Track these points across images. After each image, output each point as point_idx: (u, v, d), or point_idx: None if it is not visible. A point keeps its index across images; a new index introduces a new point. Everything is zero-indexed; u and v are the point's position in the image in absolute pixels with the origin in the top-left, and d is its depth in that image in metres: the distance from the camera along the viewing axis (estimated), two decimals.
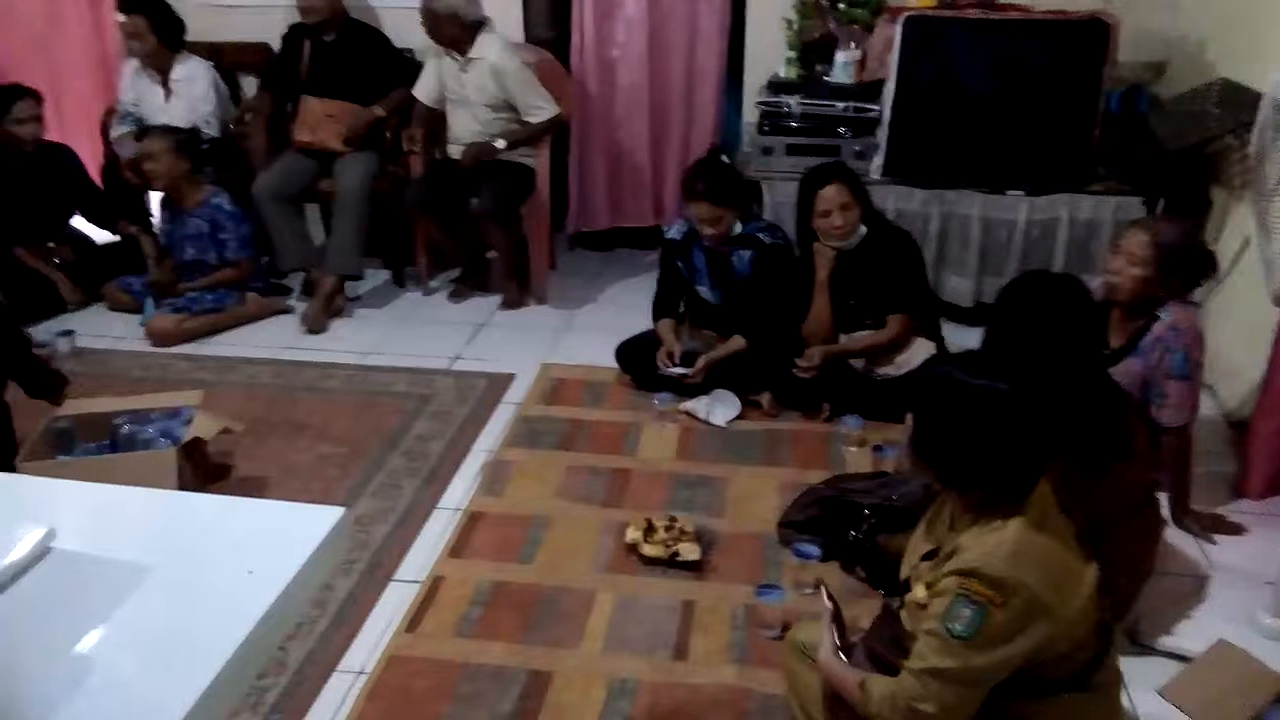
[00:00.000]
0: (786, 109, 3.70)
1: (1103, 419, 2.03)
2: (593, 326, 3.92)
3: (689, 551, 2.45)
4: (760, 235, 3.19)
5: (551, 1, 4.61)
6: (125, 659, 0.80)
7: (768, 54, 4.02)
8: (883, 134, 3.60)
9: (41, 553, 0.85)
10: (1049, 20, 3.41)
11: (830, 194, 2.97)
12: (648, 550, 2.47)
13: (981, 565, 1.45)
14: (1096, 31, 3.34)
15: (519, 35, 4.23)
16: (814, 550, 2.37)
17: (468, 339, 3.85)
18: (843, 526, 2.40)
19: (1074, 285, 2.08)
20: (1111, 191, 3.50)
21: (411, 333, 3.90)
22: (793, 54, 3.87)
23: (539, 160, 4.04)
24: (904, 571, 1.72)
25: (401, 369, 3.58)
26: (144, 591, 0.86)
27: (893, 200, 3.58)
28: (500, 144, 3.89)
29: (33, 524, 0.87)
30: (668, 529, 2.50)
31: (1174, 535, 2.48)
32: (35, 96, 3.99)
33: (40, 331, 3.66)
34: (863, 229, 3.04)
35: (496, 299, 4.16)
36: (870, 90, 3.66)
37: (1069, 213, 3.51)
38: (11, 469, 2.47)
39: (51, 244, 4.09)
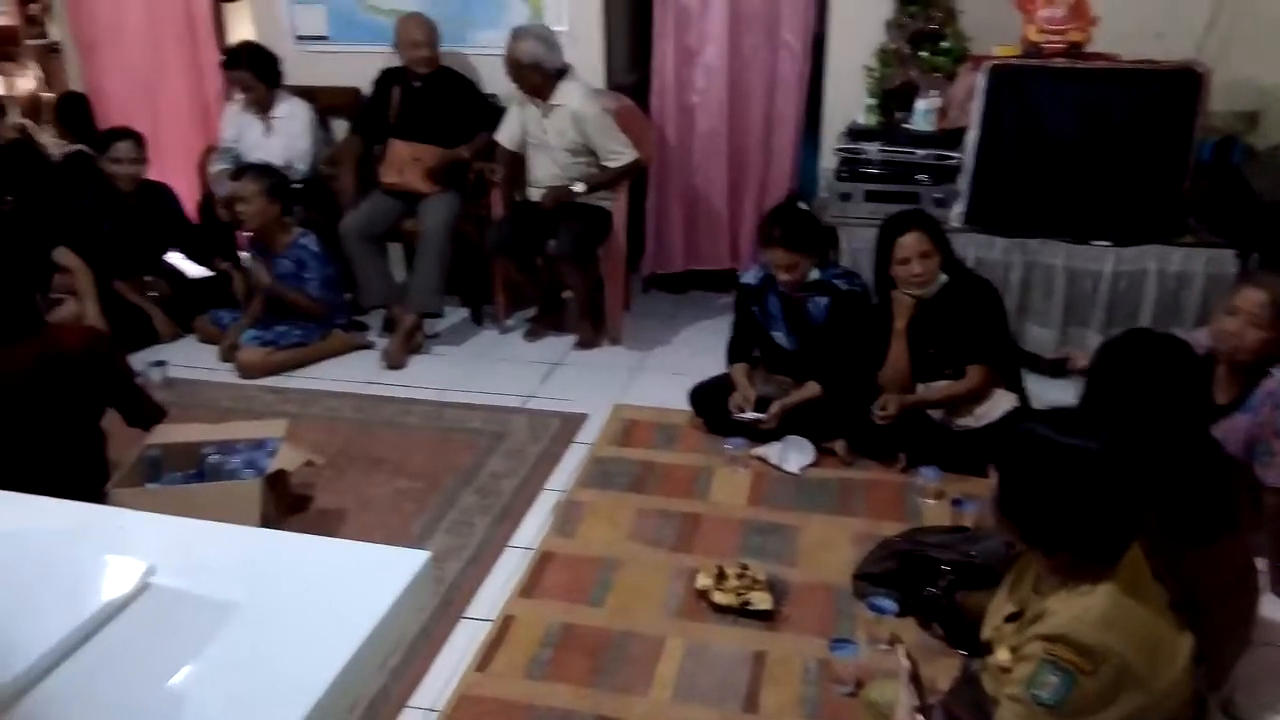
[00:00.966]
0: (865, 155, 3.69)
1: (1207, 485, 1.95)
2: (666, 368, 3.93)
3: (761, 601, 2.42)
4: (837, 282, 3.17)
5: (632, 48, 4.69)
6: (215, 697, 0.81)
7: (847, 101, 4.02)
8: (964, 181, 3.56)
9: (141, 588, 0.87)
10: (1138, 70, 3.35)
11: (910, 241, 2.94)
12: (719, 598, 2.44)
13: (1070, 631, 1.41)
14: (1187, 81, 3.26)
15: (600, 81, 4.31)
16: (890, 605, 2.32)
17: (542, 378, 3.89)
18: (920, 581, 2.34)
19: (1179, 347, 2.00)
20: (1203, 244, 3.41)
21: (487, 370, 3.96)
22: (873, 101, 3.86)
23: (616, 203, 4.09)
24: (985, 632, 1.68)
25: (477, 406, 3.63)
26: (234, 629, 0.88)
27: (973, 248, 3.53)
28: (579, 187, 3.96)
29: (132, 558, 0.90)
30: (739, 577, 2.48)
31: (1273, 604, 2.37)
32: (136, 138, 4.19)
33: (135, 361, 3.80)
34: (943, 277, 3.00)
35: (571, 339, 4.20)
36: (951, 138, 3.63)
37: (1158, 264, 3.42)
38: (102, 495, 2.57)
39: (148, 278, 4.26)
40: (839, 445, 3.15)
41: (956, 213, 3.58)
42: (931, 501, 2.90)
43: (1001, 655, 1.55)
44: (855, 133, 3.80)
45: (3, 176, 4.12)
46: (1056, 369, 3.32)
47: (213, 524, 1.10)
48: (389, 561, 1.00)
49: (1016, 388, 3.11)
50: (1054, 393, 3.29)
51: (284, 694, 0.81)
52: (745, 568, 2.51)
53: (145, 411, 2.92)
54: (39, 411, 2.52)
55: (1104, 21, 3.43)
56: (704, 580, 2.50)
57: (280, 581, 0.96)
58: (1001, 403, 3.04)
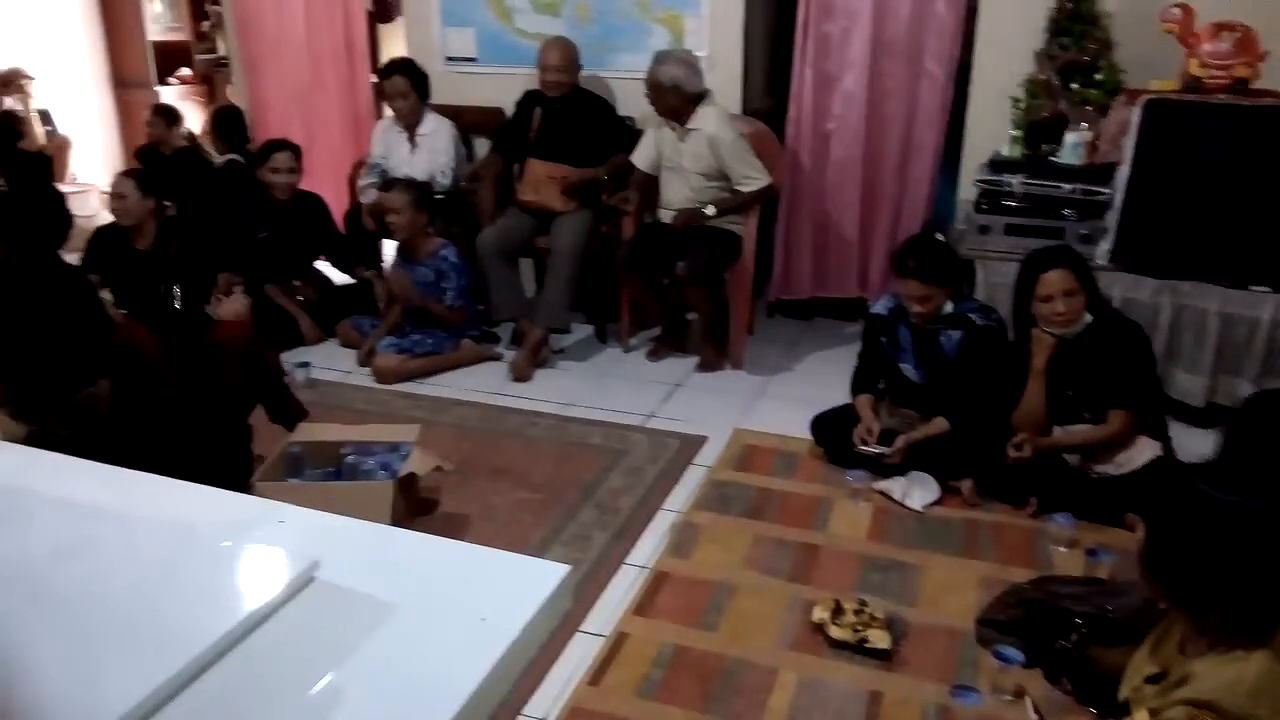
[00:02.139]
0: (1008, 188, 3.59)
1: None
2: (787, 395, 3.90)
3: (879, 639, 2.37)
4: (972, 316, 3.09)
5: (768, 74, 4.70)
6: (367, 695, 0.85)
7: (990, 131, 3.93)
8: (1113, 219, 3.43)
9: (307, 581, 0.92)
10: None
11: (1054, 278, 2.85)
12: (835, 632, 2.40)
13: (1219, 699, 1.33)
14: None
15: (736, 106, 4.33)
16: (1017, 655, 2.23)
17: (663, 398, 3.92)
18: (1050, 633, 2.25)
19: None
20: None
21: (610, 388, 4.01)
22: (1017, 132, 3.76)
23: (747, 227, 4.10)
24: (1123, 692, 1.61)
25: (599, 422, 3.68)
26: (389, 628, 0.92)
27: (1119, 288, 3.39)
28: (711, 210, 3.98)
29: (299, 552, 0.95)
30: (857, 613, 2.43)
31: None
32: (294, 150, 4.43)
33: (281, 362, 4.01)
34: (1087, 317, 2.89)
35: (693, 360, 4.22)
36: (1101, 173, 3.50)
37: None
38: (248, 486, 2.71)
39: (297, 283, 4.49)
40: (966, 485, 3.06)
41: (1103, 250, 3.44)
42: (1064, 550, 2.79)
43: (1139, 717, 1.47)
44: (998, 164, 3.70)
45: (170, 183, 4.41)
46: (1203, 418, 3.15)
47: (368, 523, 1.15)
48: (532, 572, 1.03)
49: (1161, 436, 2.96)
50: (1202, 443, 3.12)
51: (432, 697, 0.84)
52: (864, 604, 2.47)
53: (289, 410, 3.08)
54: (201, 403, 2.68)
55: (1274, 56, 3.26)
56: (820, 613, 2.46)
57: (430, 583, 1.00)
58: (1144, 451, 2.90)
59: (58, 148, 6.61)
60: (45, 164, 6.48)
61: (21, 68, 6.54)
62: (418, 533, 1.15)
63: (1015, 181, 3.59)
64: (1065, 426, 3.00)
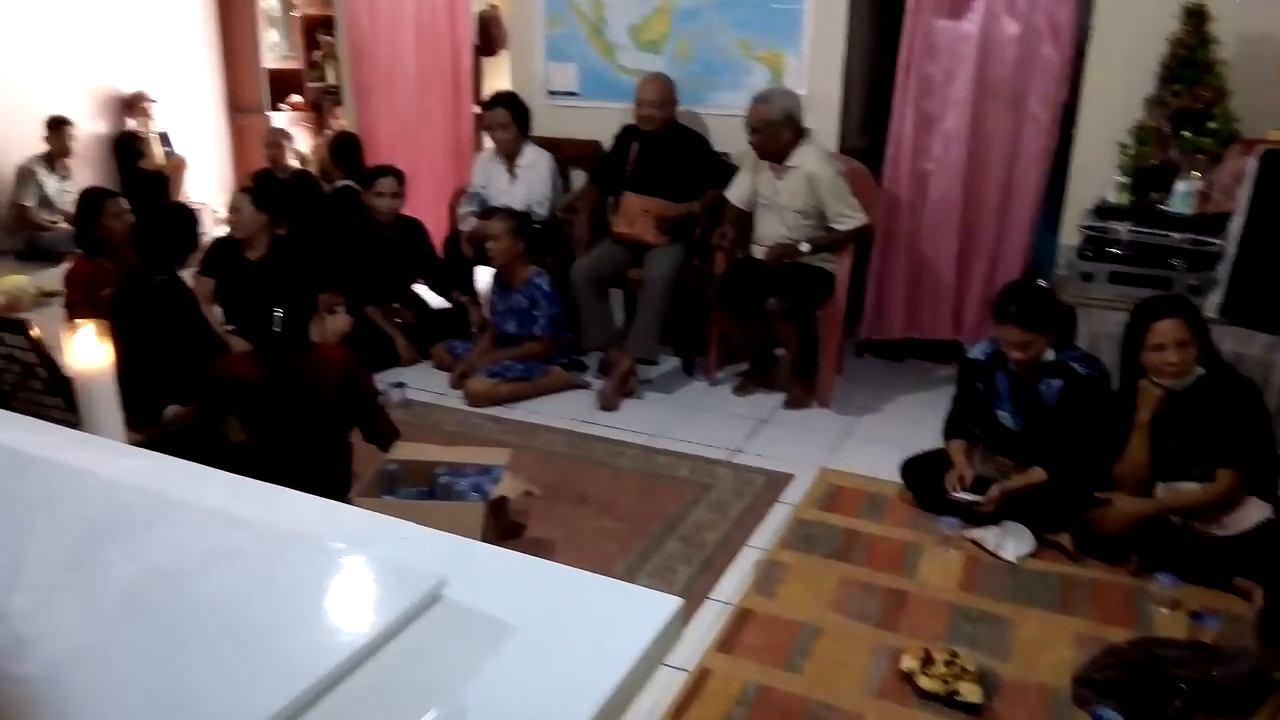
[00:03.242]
0: (1114, 235, 3.51)
1: None
2: (875, 437, 3.86)
3: (970, 692, 2.31)
4: (1074, 365, 3.02)
5: (865, 113, 4.70)
6: (490, 718, 0.86)
7: (1095, 177, 3.85)
8: (1224, 270, 3.32)
9: (434, 599, 0.95)
10: None
11: (1167, 328, 2.76)
12: (924, 683, 2.35)
13: None
14: None
15: (834, 145, 4.33)
16: (1115, 717, 2.16)
17: (749, 433, 3.91)
18: (1151, 697, 2.17)
19: None
20: None
21: (696, 421, 4.02)
22: (1125, 179, 3.68)
23: (840, 266, 4.08)
24: None
25: (684, 455, 3.69)
26: (508, 652, 0.93)
27: (1230, 342, 3.27)
28: (805, 247, 3.98)
29: (426, 569, 0.98)
30: (948, 664, 2.38)
31: None
32: (398, 175, 4.58)
33: (377, 381, 4.12)
34: (1198, 369, 2.80)
35: (780, 397, 4.20)
36: (1212, 223, 3.40)
37: None
38: (346, 502, 2.79)
39: (395, 305, 4.62)
40: (1064, 538, 2.97)
41: (1213, 303, 3.34)
42: (1166, 611, 2.68)
43: None
44: (1104, 211, 3.62)
45: (284, 205, 4.60)
46: None
47: (484, 544, 1.18)
48: (645, 602, 1.04)
49: (1271, 497, 2.84)
50: None
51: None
52: (955, 655, 2.41)
53: (383, 429, 3.16)
54: (303, 423, 2.78)
55: None
56: (909, 662, 2.42)
57: (546, 608, 1.02)
58: (1253, 512, 2.79)
59: (174, 168, 6.97)
60: (162, 183, 6.84)
61: (145, 91, 6.93)
62: (531, 556, 1.17)
63: (1122, 229, 3.51)
64: (1169, 483, 2.90)
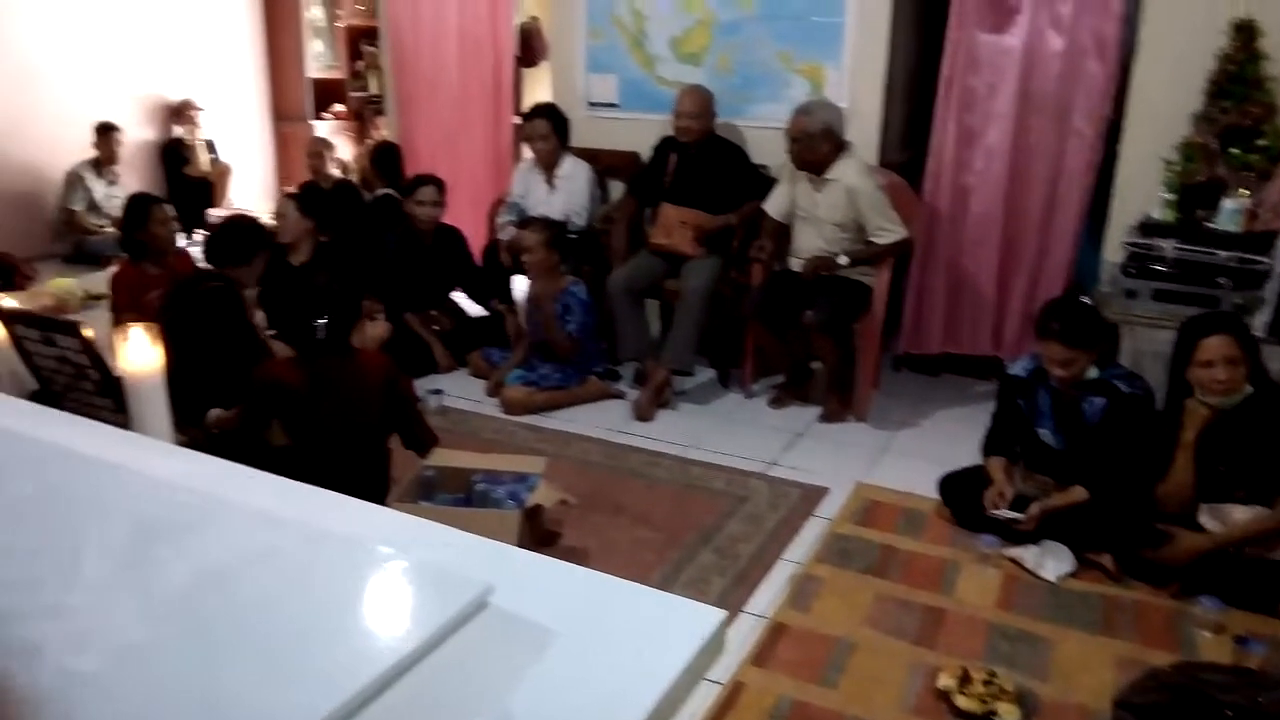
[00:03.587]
0: (1158, 252, 3.46)
1: None
2: (912, 452, 3.83)
3: (1008, 713, 2.28)
4: (1117, 383, 2.98)
5: (905, 126, 4.67)
6: None
7: (1140, 193, 3.80)
8: (1272, 289, 3.26)
9: (481, 606, 0.96)
10: None
11: (1216, 344, 2.72)
12: (962, 702, 2.32)
13: None
14: None
15: (873, 158, 4.32)
16: None
17: (784, 446, 3.89)
18: None
19: None
20: None
21: (731, 433, 4.01)
22: (1170, 195, 3.63)
23: (878, 279, 4.06)
24: None
25: (719, 467, 3.68)
26: (552, 661, 0.94)
27: (1277, 362, 3.21)
28: (843, 260, 3.96)
29: (472, 575, 0.99)
30: (986, 683, 2.35)
31: None
32: (439, 184, 4.63)
33: (414, 388, 4.16)
34: (1247, 388, 2.75)
35: (816, 410, 4.18)
36: (1260, 241, 3.34)
37: None
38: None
39: (433, 312, 4.66)
40: (1105, 559, 2.92)
41: (1261, 322, 3.27)
42: (1209, 635, 2.63)
43: None
44: (1148, 227, 3.58)
45: (326, 213, 4.66)
46: None
47: (527, 551, 1.19)
48: (688, 614, 1.04)
49: None
50: None
51: None
52: (993, 674, 2.38)
53: (421, 436, 3.18)
54: (344, 428, 2.81)
55: None
56: (946, 680, 2.39)
57: (589, 617, 1.02)
58: None
59: (219, 174, 7.10)
60: (207, 189, 6.96)
61: (192, 99, 7.06)
62: (572, 564, 1.17)
63: (1167, 246, 3.46)
64: (1214, 504, 2.85)
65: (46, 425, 1.49)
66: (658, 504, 3.39)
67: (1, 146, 5.86)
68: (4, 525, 1.10)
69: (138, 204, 3.99)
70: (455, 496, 2.97)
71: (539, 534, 2.99)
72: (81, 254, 6.16)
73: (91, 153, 6.41)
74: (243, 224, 3.73)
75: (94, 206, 6.40)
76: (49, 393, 2.84)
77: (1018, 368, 3.21)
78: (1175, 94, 3.72)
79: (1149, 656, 2.53)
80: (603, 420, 4.09)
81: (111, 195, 6.37)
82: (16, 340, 2.85)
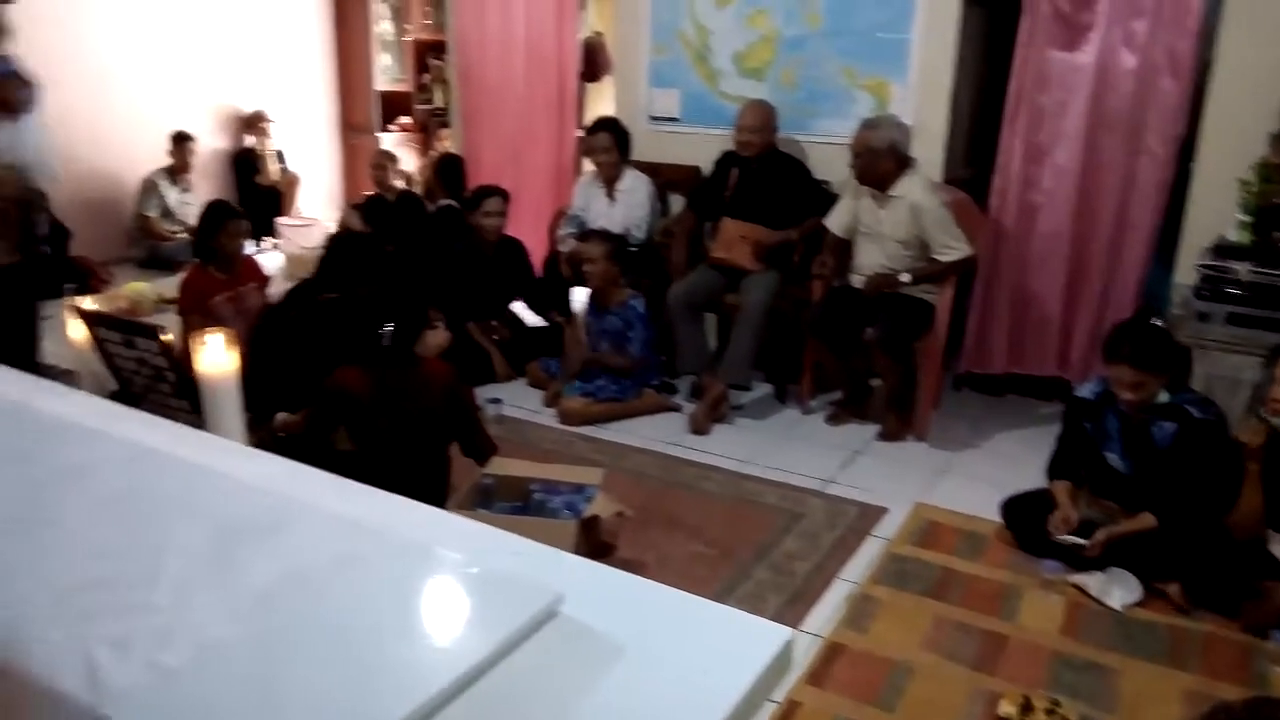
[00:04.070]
0: (1233, 275, 3.38)
1: None
2: (973, 473, 3.77)
3: None
4: (1189, 408, 2.90)
5: (969, 143, 4.62)
6: None
7: (1214, 214, 3.71)
8: None
9: (551, 615, 0.97)
10: None
11: None
12: None
13: None
14: None
15: (938, 175, 4.27)
16: None
17: (842, 464, 3.86)
18: None
19: None
20: None
21: (788, 449, 3.98)
22: (1246, 217, 3.53)
23: (941, 297, 4.01)
24: None
25: (775, 483, 3.66)
26: (619, 673, 0.94)
27: None
28: (906, 278, 3.92)
29: (543, 585, 1.00)
30: (1049, 712, 2.30)
31: None
32: (503, 196, 4.69)
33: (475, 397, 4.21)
34: None
35: (874, 428, 4.14)
36: None
37: None
38: None
39: (494, 322, 4.72)
40: (1173, 589, 2.85)
41: None
42: None
43: None
44: (1223, 249, 3.49)
45: (390, 224, 4.75)
46: None
47: (594, 561, 1.20)
48: (756, 631, 1.04)
49: None
50: None
51: None
52: (1056, 704, 2.33)
53: (481, 444, 3.22)
54: (408, 436, 2.86)
55: None
56: (1007, 708, 2.35)
57: (657, 630, 1.03)
58: None
59: (289, 184, 7.27)
60: (276, 198, 7.13)
61: (264, 111, 7.25)
62: (640, 577, 1.18)
63: (1242, 269, 3.37)
64: None
65: (130, 425, 1.54)
66: (712, 519, 3.38)
67: (80, 154, 6.07)
68: (96, 523, 1.14)
69: (215, 212, 4.09)
70: (513, 505, 3.00)
71: (594, 545, 3.00)
72: (155, 259, 6.35)
73: (166, 161, 6.61)
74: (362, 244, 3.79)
75: (168, 213, 6.59)
76: (128, 393, 2.93)
77: (1085, 390, 3.15)
78: (1252, 113, 3.63)
79: (1218, 690, 2.45)
80: (659, 433, 4.10)
81: (185, 202, 6.56)
82: (99, 341, 2.95)
